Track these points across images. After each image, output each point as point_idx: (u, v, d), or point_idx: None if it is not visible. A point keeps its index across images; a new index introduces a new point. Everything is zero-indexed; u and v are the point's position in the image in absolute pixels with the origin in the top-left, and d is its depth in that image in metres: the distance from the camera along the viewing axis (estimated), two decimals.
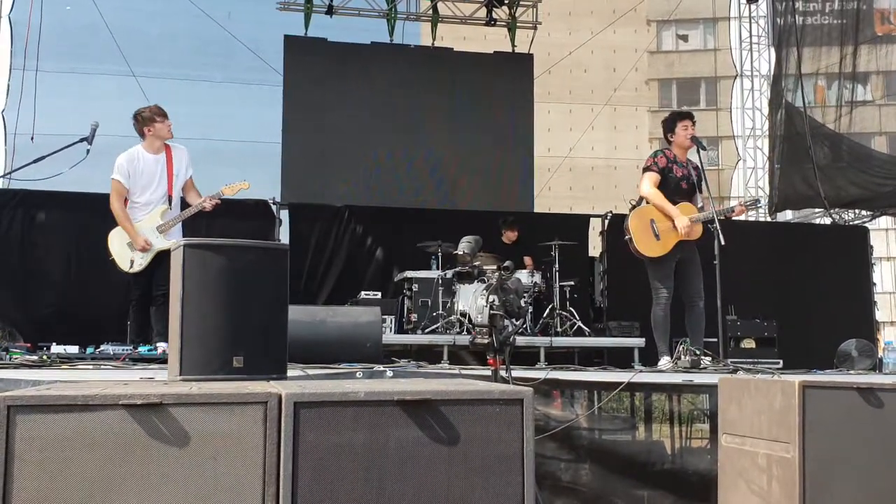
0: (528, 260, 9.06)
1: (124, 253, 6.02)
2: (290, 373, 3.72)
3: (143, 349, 5.52)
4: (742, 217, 12.08)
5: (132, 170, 6.04)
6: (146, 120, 6.10)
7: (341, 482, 2.34)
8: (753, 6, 14.52)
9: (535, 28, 13.62)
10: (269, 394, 2.38)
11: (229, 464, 2.29)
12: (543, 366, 6.37)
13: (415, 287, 7.96)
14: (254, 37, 13.21)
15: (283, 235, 9.18)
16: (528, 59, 13.28)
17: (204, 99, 13.65)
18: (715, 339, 6.29)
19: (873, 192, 11.76)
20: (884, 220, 14.83)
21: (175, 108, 6.44)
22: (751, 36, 14.60)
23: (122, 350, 5.45)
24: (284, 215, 9.33)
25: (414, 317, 7.83)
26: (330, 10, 12.65)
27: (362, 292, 8.16)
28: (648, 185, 6.27)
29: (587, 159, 20.88)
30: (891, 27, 13.45)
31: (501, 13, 13.48)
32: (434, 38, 13.50)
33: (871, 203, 12.07)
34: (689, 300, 6.28)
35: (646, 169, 6.35)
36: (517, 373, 4.92)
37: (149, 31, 13.62)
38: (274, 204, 9.26)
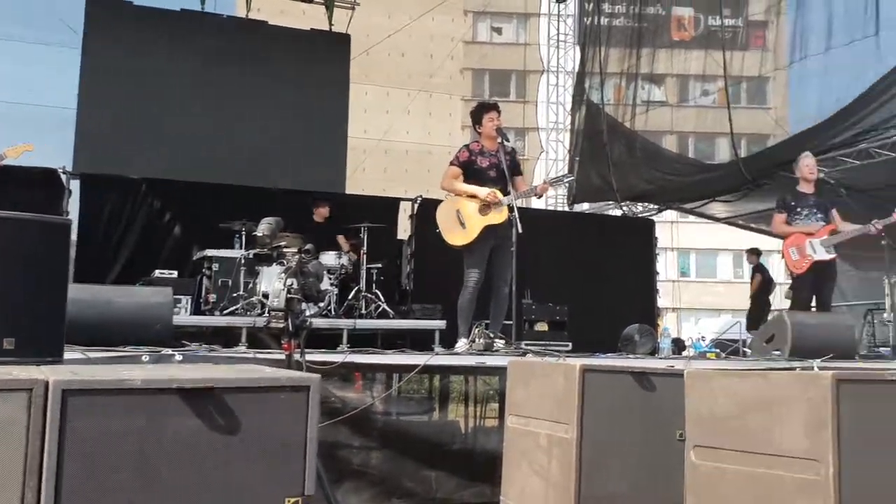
0: (341, 239, 9.02)
1: None
2: (69, 356, 3.53)
3: None
4: (543, 205, 12.58)
5: None
6: None
7: (112, 473, 2.23)
8: (562, 5, 15.11)
9: (353, 8, 13.58)
10: (35, 380, 2.23)
11: None
12: (345, 349, 6.37)
13: (215, 266, 7.73)
14: None
15: (73, 207, 8.63)
16: (345, 39, 13.19)
17: None
18: (509, 322, 6.52)
19: (660, 188, 12.60)
20: (669, 213, 15.91)
21: None
22: (558, 34, 15.18)
23: None
24: (76, 186, 8.76)
25: (212, 297, 7.61)
26: None
27: (157, 271, 7.81)
28: (445, 178, 6.48)
29: (402, 143, 21.05)
30: (686, 34, 14.38)
31: None
32: (248, 10, 13.13)
33: (658, 197, 12.93)
34: (495, 285, 6.47)
35: (449, 164, 6.53)
36: (316, 356, 4.91)
37: None
38: (64, 173, 8.65)
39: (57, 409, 2.20)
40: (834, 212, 7.77)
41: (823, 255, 7.60)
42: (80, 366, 3.35)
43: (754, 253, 13.13)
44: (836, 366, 6.06)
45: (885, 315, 8.65)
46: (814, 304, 7.83)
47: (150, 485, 2.26)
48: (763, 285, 12.63)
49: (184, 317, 6.79)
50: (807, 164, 7.88)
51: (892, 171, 9.92)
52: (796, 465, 2.79)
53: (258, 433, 2.42)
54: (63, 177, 8.62)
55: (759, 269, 12.86)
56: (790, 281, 8.17)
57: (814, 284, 7.70)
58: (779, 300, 11.94)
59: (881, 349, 8.71)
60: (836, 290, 12.15)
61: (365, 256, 8.63)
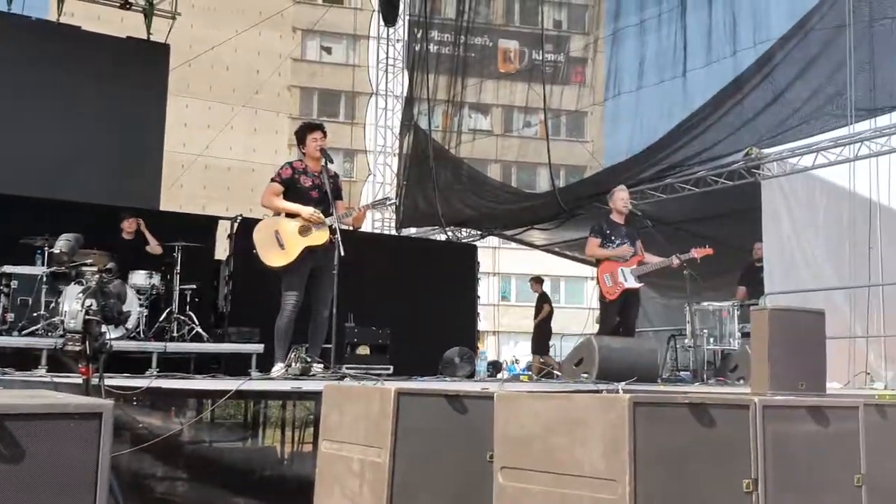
0: (154, 244, 8.66)
1: None
2: None
3: None
4: (369, 228, 12.58)
5: None
6: None
7: None
8: (391, 30, 15.25)
9: (173, 18, 13.17)
10: None
11: None
12: (154, 373, 6.10)
13: (13, 284, 7.22)
14: None
15: None
16: (164, 49, 12.76)
17: None
18: (329, 346, 6.45)
19: (484, 214, 12.93)
20: (491, 239, 16.35)
21: None
22: (387, 57, 15.30)
23: None
24: None
25: (10, 317, 7.09)
26: None
27: None
28: (267, 195, 6.32)
29: (224, 159, 20.53)
30: (512, 66, 14.87)
31: None
32: (60, 13, 12.45)
33: (481, 223, 13.26)
34: (315, 309, 6.37)
35: (270, 180, 6.38)
36: (120, 381, 4.66)
37: None
38: None
39: None
40: (639, 243, 8.24)
41: (633, 283, 8.06)
42: None
43: (538, 281, 13.81)
44: (638, 388, 6.39)
45: (686, 340, 9.17)
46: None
47: None
48: (549, 313, 13.36)
49: None
50: (621, 197, 8.31)
51: (695, 205, 10.61)
52: (596, 484, 2.88)
53: (44, 463, 2.26)
54: None
55: (547, 299, 13.58)
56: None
57: (621, 310, 8.13)
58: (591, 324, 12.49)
59: (682, 373, 9.23)
60: (642, 315, 12.89)
61: (178, 276, 8.30)
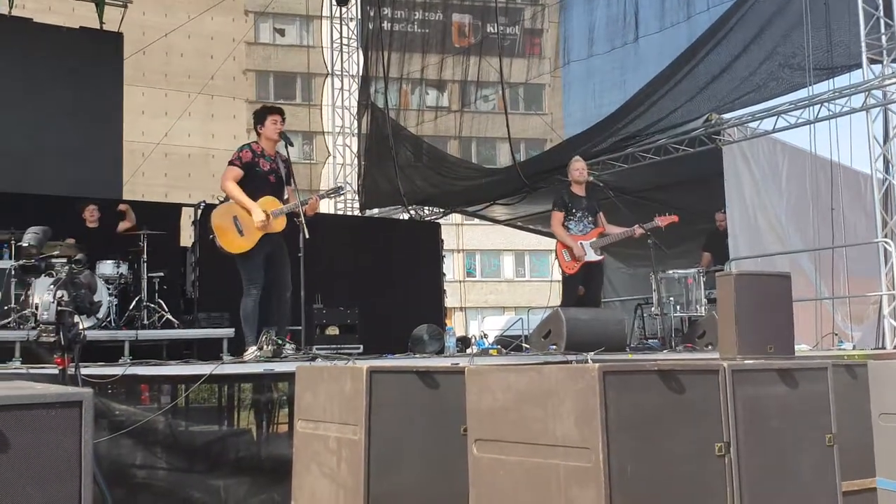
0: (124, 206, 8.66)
1: None
2: None
3: None
4: (331, 210, 12.58)
5: None
6: None
7: None
8: (345, 8, 15.15)
9: (125, 6, 13.03)
10: None
11: None
12: (128, 360, 6.12)
13: None
14: None
15: None
16: (117, 38, 12.62)
17: None
18: (299, 328, 6.52)
19: (445, 192, 12.97)
20: (455, 216, 16.37)
21: None
22: (341, 37, 15.20)
23: None
24: None
25: None
26: None
27: None
28: (228, 180, 6.34)
29: (183, 147, 20.30)
30: (466, 40, 14.82)
31: None
32: (11, 7, 12.22)
33: (443, 201, 13.30)
34: (276, 291, 6.43)
35: (229, 163, 6.39)
36: (95, 370, 4.69)
37: None
38: None
39: None
40: (601, 215, 8.32)
41: (593, 256, 8.14)
42: None
43: None
44: (607, 358, 6.51)
45: (653, 309, 9.26)
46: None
47: None
48: None
49: None
50: (577, 168, 8.37)
51: (656, 173, 10.68)
52: (570, 453, 2.94)
53: (29, 453, 2.30)
54: None
55: None
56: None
57: (584, 283, 8.22)
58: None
59: (650, 341, 9.36)
60: (608, 286, 13.02)
61: (146, 265, 8.30)
